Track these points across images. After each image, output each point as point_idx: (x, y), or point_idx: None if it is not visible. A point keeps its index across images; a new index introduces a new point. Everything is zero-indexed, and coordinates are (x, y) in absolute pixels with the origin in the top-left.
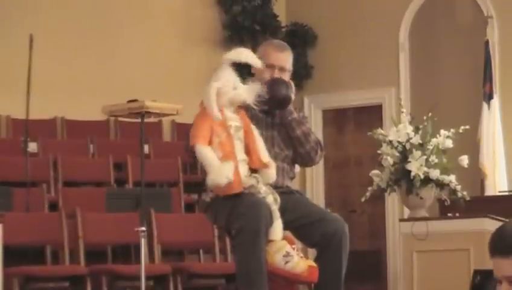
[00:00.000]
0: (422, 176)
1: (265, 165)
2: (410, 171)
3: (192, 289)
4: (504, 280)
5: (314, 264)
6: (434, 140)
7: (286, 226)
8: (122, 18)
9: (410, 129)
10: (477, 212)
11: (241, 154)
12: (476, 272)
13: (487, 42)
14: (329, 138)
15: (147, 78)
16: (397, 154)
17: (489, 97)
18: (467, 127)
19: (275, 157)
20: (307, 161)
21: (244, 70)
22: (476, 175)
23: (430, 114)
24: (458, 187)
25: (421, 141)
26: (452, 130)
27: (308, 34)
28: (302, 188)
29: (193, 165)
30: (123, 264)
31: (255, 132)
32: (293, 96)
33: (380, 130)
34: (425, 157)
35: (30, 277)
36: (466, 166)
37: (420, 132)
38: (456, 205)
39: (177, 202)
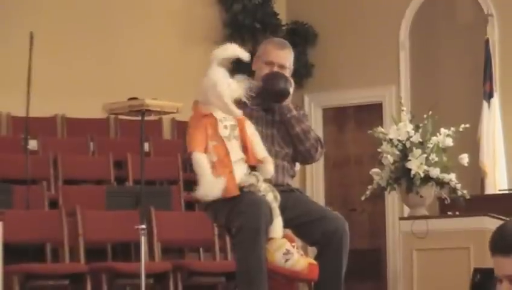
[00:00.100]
0: (422, 175)
1: (261, 161)
2: (410, 170)
3: (192, 287)
4: (505, 279)
5: (314, 262)
6: (434, 138)
7: (286, 224)
8: (122, 17)
9: (410, 128)
10: (477, 210)
11: (238, 154)
12: (476, 270)
13: (487, 41)
14: (330, 137)
15: (147, 77)
16: (397, 152)
17: (489, 96)
18: (467, 125)
19: (275, 155)
20: (307, 159)
21: (244, 69)
22: (476, 173)
23: (430, 112)
24: (458, 186)
25: (421, 140)
26: (452, 128)
27: (308, 33)
28: (302, 187)
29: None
30: (123, 262)
31: (251, 128)
32: (291, 91)
33: (380, 129)
34: (425, 155)
35: (30, 275)
36: (466, 164)
37: (420, 130)
38: (456, 203)
39: (177, 200)
